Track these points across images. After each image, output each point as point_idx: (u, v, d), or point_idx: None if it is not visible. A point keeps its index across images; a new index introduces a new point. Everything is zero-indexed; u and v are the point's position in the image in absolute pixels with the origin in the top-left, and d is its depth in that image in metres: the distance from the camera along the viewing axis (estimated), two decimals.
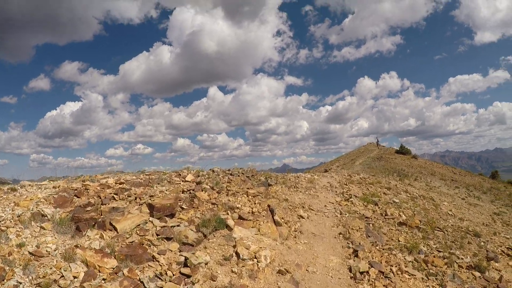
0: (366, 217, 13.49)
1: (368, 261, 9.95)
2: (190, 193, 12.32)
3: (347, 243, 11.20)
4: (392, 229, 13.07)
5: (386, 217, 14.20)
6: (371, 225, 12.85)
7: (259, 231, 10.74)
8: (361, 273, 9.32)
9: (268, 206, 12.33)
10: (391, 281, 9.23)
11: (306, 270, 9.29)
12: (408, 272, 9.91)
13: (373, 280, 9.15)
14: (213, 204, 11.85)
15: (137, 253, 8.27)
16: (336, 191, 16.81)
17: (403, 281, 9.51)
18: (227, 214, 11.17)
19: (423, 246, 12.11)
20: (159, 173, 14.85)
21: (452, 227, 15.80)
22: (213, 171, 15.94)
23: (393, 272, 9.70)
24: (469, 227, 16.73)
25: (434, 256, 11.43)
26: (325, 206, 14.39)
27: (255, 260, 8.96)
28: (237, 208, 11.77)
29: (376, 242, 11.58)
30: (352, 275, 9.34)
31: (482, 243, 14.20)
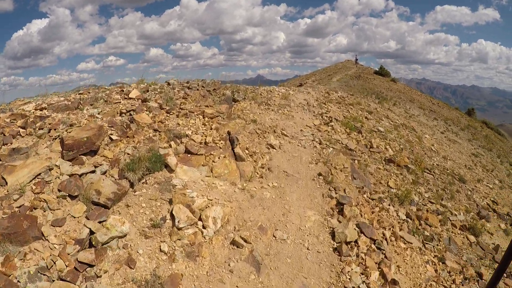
0: (350, 149, 10.56)
1: (356, 222, 7.06)
2: (130, 115, 8.94)
3: (329, 189, 8.29)
4: (380, 168, 10.32)
5: (371, 150, 11.42)
6: (356, 161, 9.98)
7: (212, 171, 7.65)
8: (348, 243, 6.44)
9: (228, 133, 9.14)
10: (386, 256, 6.43)
11: (273, 236, 6.31)
12: (403, 238, 7.20)
13: (363, 254, 6.33)
14: (155, 130, 8.47)
15: (21, 228, 4.98)
16: (314, 111, 13.71)
17: (398, 254, 6.79)
18: (170, 146, 7.95)
19: (415, 195, 9.70)
20: (98, 89, 11.08)
21: (438, 167, 13.74)
22: (168, 83, 12.34)
23: (386, 239, 6.91)
24: (454, 169, 14.84)
25: (427, 211, 9.13)
26: (302, 130, 11.39)
27: (199, 225, 5.98)
28: (186, 136, 8.52)
29: (363, 187, 8.72)
30: (336, 245, 6.51)
31: (469, 192, 12.43)
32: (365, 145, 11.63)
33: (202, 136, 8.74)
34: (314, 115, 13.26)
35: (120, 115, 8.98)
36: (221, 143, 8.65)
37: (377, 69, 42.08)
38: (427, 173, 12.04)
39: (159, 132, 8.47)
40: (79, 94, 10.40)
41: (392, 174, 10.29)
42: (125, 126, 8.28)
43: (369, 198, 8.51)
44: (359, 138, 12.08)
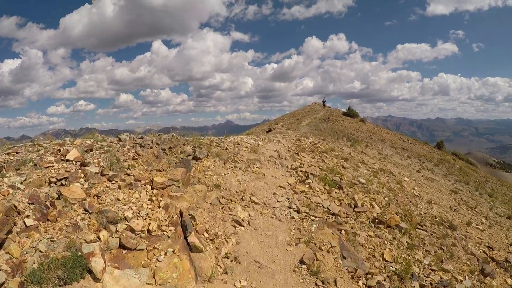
0: (333, 214, 8.86)
1: None
2: (61, 184, 7.06)
3: (316, 283, 6.38)
4: (370, 236, 8.52)
5: (356, 210, 9.69)
6: (343, 232, 8.26)
7: (154, 276, 5.62)
8: None
9: (181, 213, 7.11)
10: None
11: None
12: None
13: None
14: (85, 211, 6.48)
15: None
16: (287, 166, 12.04)
17: None
18: (99, 239, 5.90)
19: (414, 264, 8.01)
20: (33, 147, 9.17)
21: (427, 217, 12.35)
22: (120, 139, 10.44)
23: None
24: (441, 214, 13.53)
25: (431, 284, 7.49)
26: (275, 194, 9.62)
27: None
28: (125, 219, 6.47)
29: (356, 270, 6.86)
30: None
31: (464, 242, 11.24)
32: (349, 204, 9.95)
33: (145, 220, 6.63)
34: (287, 171, 11.64)
35: (49, 185, 7.04)
36: (170, 230, 6.56)
37: (345, 111, 41.48)
38: (420, 229, 10.51)
39: (90, 214, 6.46)
40: (6, 153, 8.39)
41: (386, 242, 8.54)
42: (48, 204, 6.32)
43: (366, 285, 6.71)
44: (341, 197, 10.41)
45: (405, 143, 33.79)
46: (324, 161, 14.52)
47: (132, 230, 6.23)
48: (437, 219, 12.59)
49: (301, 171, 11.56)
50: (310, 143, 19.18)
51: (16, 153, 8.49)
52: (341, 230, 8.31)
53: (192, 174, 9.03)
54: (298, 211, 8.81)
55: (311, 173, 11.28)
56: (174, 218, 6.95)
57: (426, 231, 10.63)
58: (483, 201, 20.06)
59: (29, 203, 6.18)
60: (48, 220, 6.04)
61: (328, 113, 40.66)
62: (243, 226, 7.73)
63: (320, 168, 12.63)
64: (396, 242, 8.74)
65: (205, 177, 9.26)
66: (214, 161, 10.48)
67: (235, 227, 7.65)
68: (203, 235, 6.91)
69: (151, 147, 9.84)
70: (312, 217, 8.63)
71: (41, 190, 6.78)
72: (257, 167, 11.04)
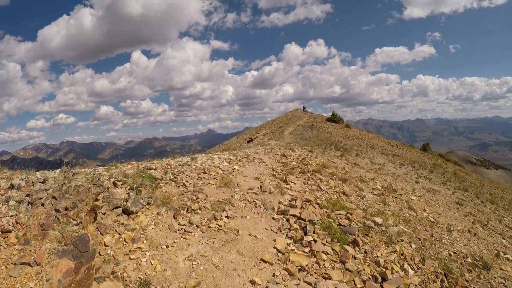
0: None
1: None
2: None
3: None
4: None
5: (386, 285, 5.86)
6: None
7: None
8: None
9: None
10: None
11: None
12: None
13: None
14: None
15: None
16: (272, 207, 7.93)
17: None
18: None
19: None
20: None
21: (457, 258, 9.13)
22: (12, 186, 5.98)
23: None
24: (468, 248, 10.42)
25: None
26: (254, 285, 5.16)
27: None
28: None
29: None
30: None
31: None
32: (374, 278, 6.13)
33: None
34: (273, 217, 7.47)
35: None
36: None
37: (329, 116, 38.00)
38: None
39: None
40: None
41: None
42: None
43: None
44: (360, 263, 6.26)
45: (395, 148, 30.47)
46: (320, 188, 10.77)
47: None
48: (469, 259, 9.26)
49: (293, 216, 7.38)
50: (298, 158, 15.49)
51: None
52: None
53: (97, 264, 4.71)
54: None
55: (309, 220, 7.11)
56: None
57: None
58: (488, 211, 17.72)
59: None
60: None
61: (311, 119, 37.10)
62: None
63: (318, 204, 8.78)
64: None
65: (129, 261, 5.04)
66: (157, 213, 6.38)
67: None
68: None
69: (43, 204, 5.49)
70: None
71: None
72: (227, 218, 6.88)
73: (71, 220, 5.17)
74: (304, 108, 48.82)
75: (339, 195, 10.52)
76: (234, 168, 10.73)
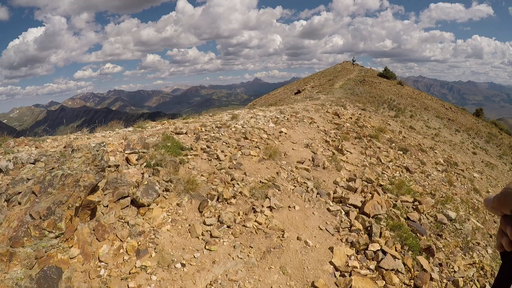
0: None
1: None
2: None
3: None
4: None
5: None
6: None
7: None
8: None
9: None
10: None
11: None
12: None
13: None
14: None
15: None
16: (327, 191, 6.53)
17: None
18: None
19: None
20: None
21: None
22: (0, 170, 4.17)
23: None
24: None
25: None
26: None
27: None
28: None
29: None
30: None
31: None
32: None
33: None
34: (330, 212, 5.87)
35: None
36: None
37: (381, 71, 35.25)
38: None
39: None
40: None
41: None
42: None
43: None
44: (437, 284, 4.79)
45: (449, 111, 27.87)
46: (380, 161, 9.33)
47: None
48: None
49: (354, 206, 6.00)
50: (351, 117, 13.99)
51: None
52: None
53: None
54: None
55: (373, 216, 5.74)
56: None
57: None
58: None
59: None
60: None
61: (362, 73, 34.47)
62: None
63: (381, 187, 7.38)
64: None
65: None
66: (178, 205, 4.86)
67: None
68: None
69: (20, 203, 3.58)
70: None
71: None
72: (269, 210, 5.33)
73: (46, 233, 3.35)
74: (353, 61, 45.99)
75: (402, 171, 9.09)
76: (281, 132, 9.40)
